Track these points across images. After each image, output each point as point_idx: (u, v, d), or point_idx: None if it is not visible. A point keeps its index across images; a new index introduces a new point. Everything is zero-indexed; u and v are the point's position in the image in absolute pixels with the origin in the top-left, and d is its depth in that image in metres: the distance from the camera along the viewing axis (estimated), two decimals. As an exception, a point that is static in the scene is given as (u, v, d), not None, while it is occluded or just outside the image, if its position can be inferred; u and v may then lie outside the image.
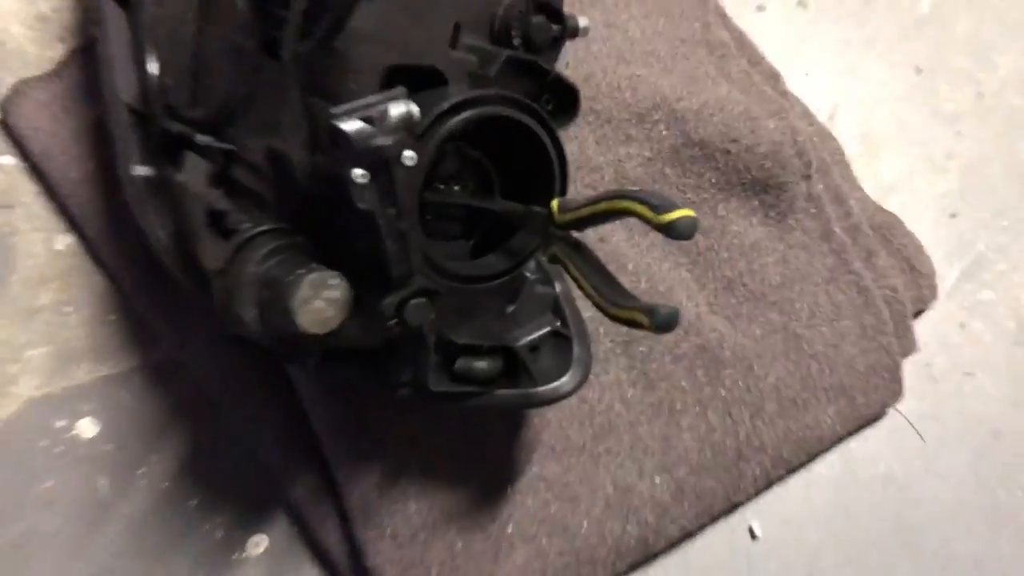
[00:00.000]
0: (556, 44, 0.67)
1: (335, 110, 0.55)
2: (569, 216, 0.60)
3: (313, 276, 0.59)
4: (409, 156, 0.58)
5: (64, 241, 0.82)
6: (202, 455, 0.83)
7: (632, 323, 0.55)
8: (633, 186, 0.90)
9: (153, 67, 0.69)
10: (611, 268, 0.76)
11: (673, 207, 0.53)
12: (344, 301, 0.61)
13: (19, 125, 0.80)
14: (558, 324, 0.72)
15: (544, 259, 0.64)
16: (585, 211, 0.58)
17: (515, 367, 0.69)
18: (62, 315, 0.81)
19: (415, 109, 0.58)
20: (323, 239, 0.63)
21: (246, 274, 0.61)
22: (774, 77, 0.98)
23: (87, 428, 0.81)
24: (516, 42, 0.65)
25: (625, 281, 0.85)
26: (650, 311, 0.54)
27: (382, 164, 0.57)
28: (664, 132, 0.90)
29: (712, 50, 0.96)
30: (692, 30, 0.96)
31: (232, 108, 0.64)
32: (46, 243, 0.82)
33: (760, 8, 1.05)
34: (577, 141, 0.89)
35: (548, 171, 0.65)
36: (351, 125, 0.56)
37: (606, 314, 0.57)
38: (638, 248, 0.89)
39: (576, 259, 0.60)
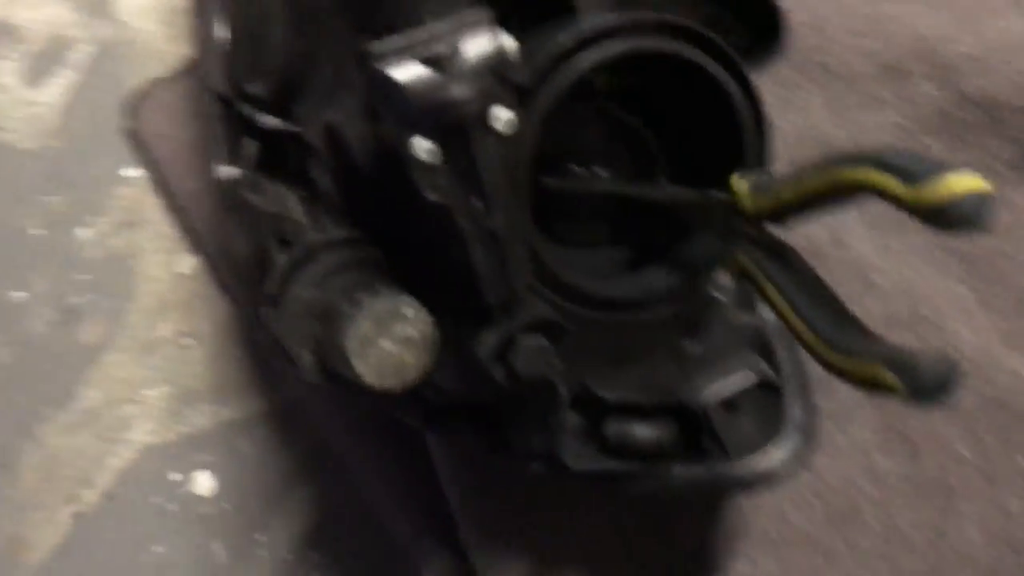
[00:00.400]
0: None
1: (379, 47, 0.35)
2: (765, 201, 0.37)
3: (378, 305, 0.40)
4: (502, 118, 0.37)
5: (188, 263, 0.76)
6: (328, 520, 0.75)
7: (871, 384, 0.31)
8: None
9: (221, 31, 0.53)
10: (847, 286, 0.52)
11: (942, 172, 0.29)
12: (425, 341, 0.41)
13: (145, 131, 0.73)
14: (766, 368, 0.49)
15: (727, 275, 0.41)
16: (791, 190, 0.35)
17: (698, 432, 0.47)
18: (182, 348, 0.75)
19: (509, 43, 0.37)
20: (402, 251, 0.44)
21: (298, 301, 0.43)
22: (1097, 7, 0.69)
23: (204, 483, 0.75)
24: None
25: (871, 302, 0.61)
26: (902, 363, 0.30)
27: (458, 131, 0.37)
28: (927, 89, 0.67)
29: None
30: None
31: (295, 74, 0.46)
32: (169, 266, 0.76)
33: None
34: (797, 105, 0.67)
35: (736, 136, 0.43)
36: (406, 71, 0.36)
37: (826, 365, 0.34)
38: (889, 253, 0.65)
39: (778, 273, 0.37)
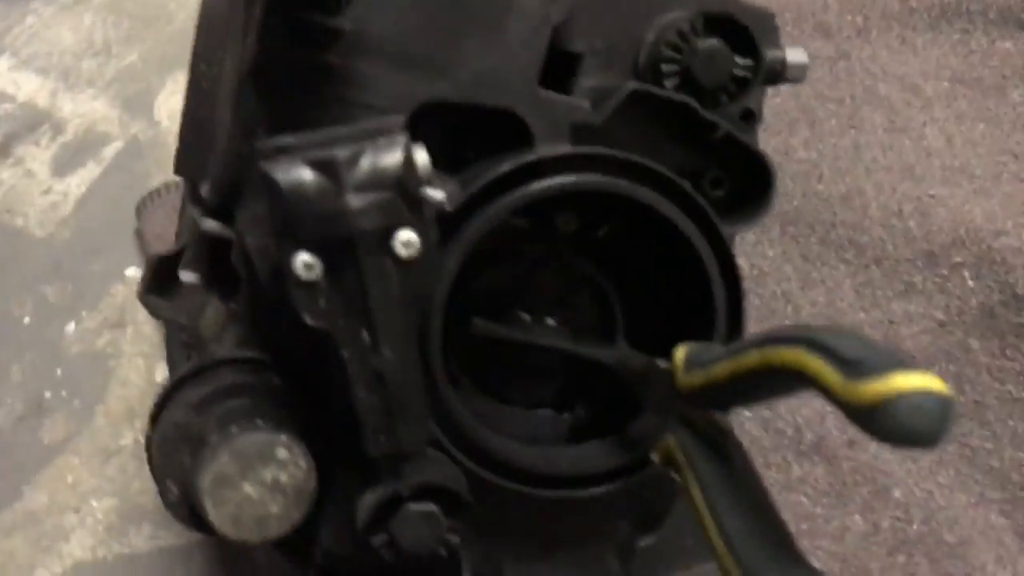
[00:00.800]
0: (742, 89, 0.38)
1: (269, 143, 0.31)
2: (697, 377, 0.30)
3: (246, 440, 0.34)
4: (404, 240, 0.32)
5: (164, 371, 0.71)
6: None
7: None
8: (913, 360, 0.56)
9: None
10: (857, 494, 0.44)
11: (887, 367, 0.22)
12: (297, 491, 0.35)
13: (146, 231, 0.70)
14: None
15: (659, 462, 0.34)
16: (724, 368, 0.28)
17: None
18: (140, 461, 0.70)
19: (423, 157, 0.32)
20: (301, 384, 0.38)
21: (171, 424, 0.38)
22: None
23: (129, 609, 0.69)
24: (670, 81, 0.38)
25: (883, 516, 0.52)
26: None
27: (346, 248, 0.31)
28: (971, 283, 0.58)
29: (1065, 170, 0.62)
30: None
31: (236, 178, 0.41)
32: (147, 371, 0.73)
33: None
34: (825, 288, 0.59)
35: (703, 300, 0.36)
36: (291, 172, 0.31)
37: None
38: (911, 464, 0.55)
39: (706, 467, 0.30)
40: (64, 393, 0.71)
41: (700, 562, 0.44)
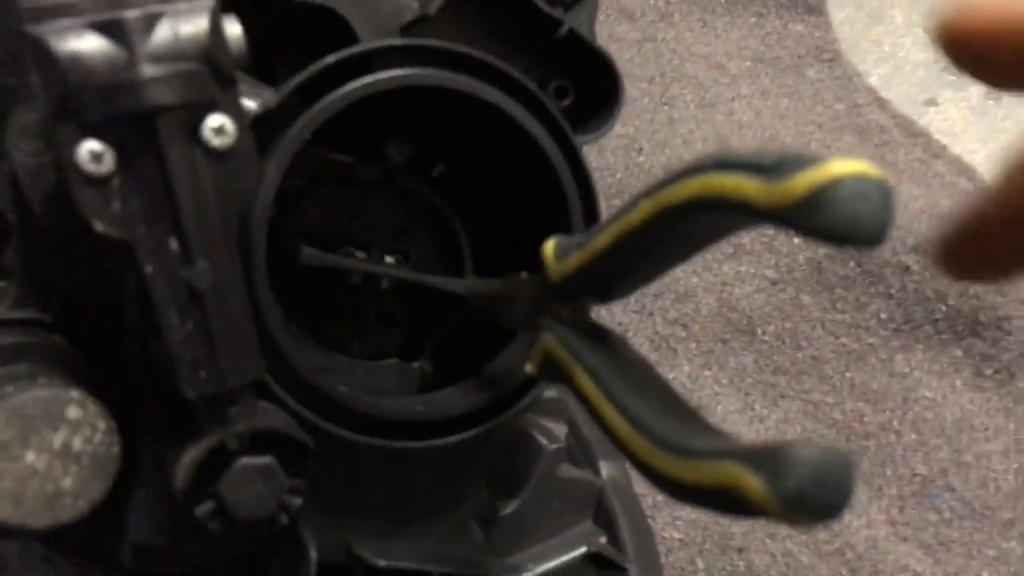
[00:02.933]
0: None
1: (36, 3, 0.25)
2: (574, 260, 0.27)
3: (26, 398, 0.27)
4: (216, 126, 0.26)
5: None
6: None
7: (725, 495, 0.19)
8: (747, 324, 0.55)
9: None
10: None
11: (812, 161, 0.19)
12: (95, 460, 0.28)
13: None
14: (601, 539, 0.37)
15: (534, 371, 0.29)
16: (604, 238, 0.25)
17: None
18: None
19: (233, 27, 0.27)
20: (95, 339, 0.31)
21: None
22: (967, 171, 0.64)
23: None
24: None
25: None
26: (769, 458, 0.19)
27: (144, 133, 0.25)
28: (796, 240, 0.57)
29: (865, 136, 0.64)
30: (833, 113, 0.65)
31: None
32: None
33: (930, 102, 0.73)
34: None
35: (556, 205, 0.33)
36: (71, 38, 0.25)
37: (658, 478, 0.22)
38: (758, 425, 0.53)
39: (592, 356, 0.26)
40: None
41: (565, 529, 0.40)
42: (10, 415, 0.27)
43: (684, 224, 0.23)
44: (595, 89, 0.35)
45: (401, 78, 0.31)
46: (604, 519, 0.41)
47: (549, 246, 0.28)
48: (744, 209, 0.20)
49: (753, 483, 0.19)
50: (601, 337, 0.27)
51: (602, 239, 0.25)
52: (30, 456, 0.27)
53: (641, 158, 0.61)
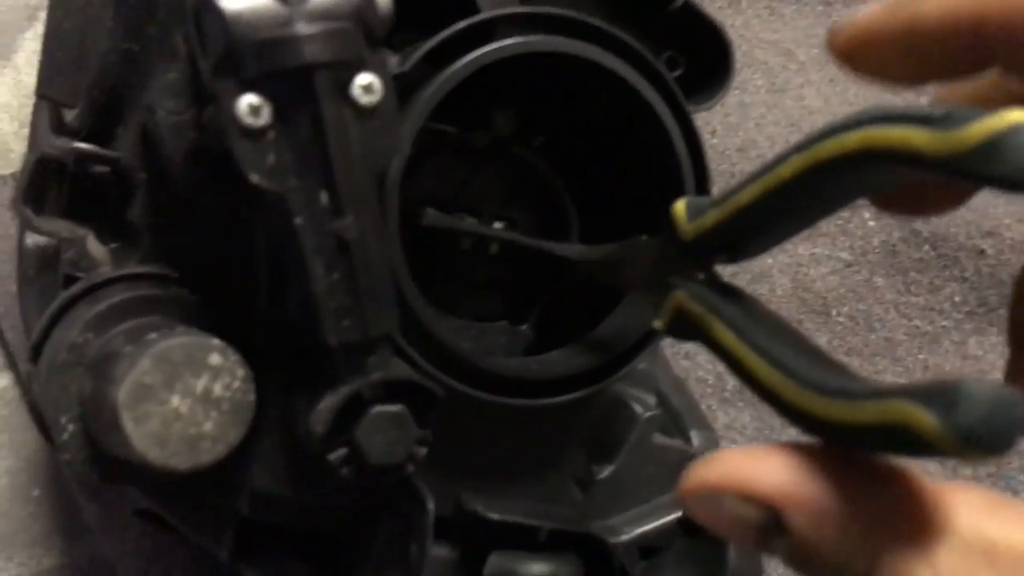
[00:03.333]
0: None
1: (200, -34, 0.26)
2: (712, 217, 0.27)
3: (171, 344, 0.28)
4: (366, 85, 0.27)
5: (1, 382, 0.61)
6: None
7: (891, 434, 0.20)
8: (822, 305, 0.56)
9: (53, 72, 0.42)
10: (792, 431, 0.42)
11: (983, 113, 0.20)
12: (234, 406, 0.29)
13: None
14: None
15: (663, 327, 0.30)
16: (747, 194, 0.26)
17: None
18: None
19: (382, -8, 0.28)
20: (225, 297, 0.32)
21: (64, 346, 0.31)
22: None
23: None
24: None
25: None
26: (941, 394, 0.19)
27: (300, 88, 0.26)
28: (871, 223, 0.58)
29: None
30: (902, 100, 0.65)
31: (119, 82, 0.35)
32: None
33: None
34: None
35: (670, 172, 0.33)
36: (235, 1, 0.26)
37: (813, 423, 0.23)
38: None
39: (729, 310, 0.27)
40: None
41: (659, 494, 0.41)
42: (156, 360, 0.28)
43: (838, 179, 0.24)
44: (707, 60, 0.36)
45: (526, 44, 0.32)
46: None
47: (680, 205, 0.29)
48: (912, 160, 0.21)
49: (926, 419, 0.19)
50: (735, 294, 0.28)
51: (746, 195, 0.26)
52: (174, 400, 0.29)
53: (715, 140, 0.61)
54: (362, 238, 0.28)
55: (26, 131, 0.68)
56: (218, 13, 0.26)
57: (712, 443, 0.44)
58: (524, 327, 0.38)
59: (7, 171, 0.65)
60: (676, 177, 0.34)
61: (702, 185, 0.34)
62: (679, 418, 0.44)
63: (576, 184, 0.37)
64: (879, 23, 0.24)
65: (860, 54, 0.25)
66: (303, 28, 0.26)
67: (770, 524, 0.21)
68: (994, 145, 0.19)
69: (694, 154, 0.34)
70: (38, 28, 0.72)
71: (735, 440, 0.53)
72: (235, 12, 0.26)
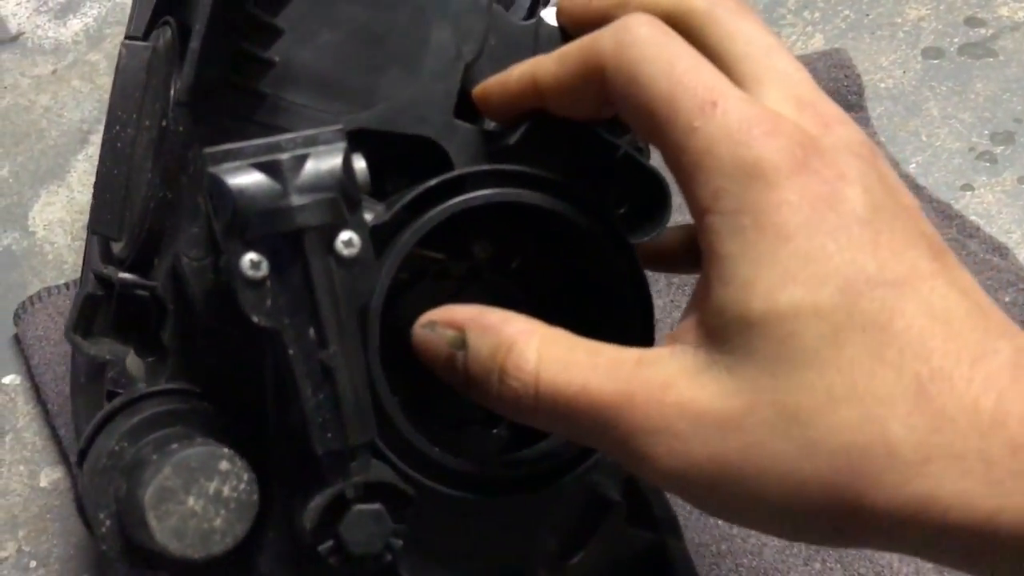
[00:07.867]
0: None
1: (217, 149, 0.33)
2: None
3: (189, 453, 0.34)
4: (346, 239, 0.33)
5: (50, 476, 0.69)
6: None
7: None
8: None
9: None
10: None
11: None
12: (240, 504, 0.35)
13: (26, 335, 0.69)
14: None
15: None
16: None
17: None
18: (24, 572, 0.66)
19: (359, 162, 0.35)
20: (238, 410, 0.39)
21: (104, 452, 0.37)
22: (1000, 250, 0.69)
23: None
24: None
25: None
26: None
27: (291, 246, 0.33)
28: None
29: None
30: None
31: (157, 225, 0.42)
32: (30, 478, 0.70)
33: (966, 187, 0.78)
34: None
35: (621, 307, 0.39)
36: (240, 175, 0.32)
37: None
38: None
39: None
40: (-60, 505, 0.67)
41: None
42: (176, 467, 0.34)
43: None
44: (647, 200, 0.42)
45: (489, 196, 0.38)
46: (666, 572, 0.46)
47: None
48: None
49: None
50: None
51: None
52: (191, 500, 0.35)
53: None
54: (343, 364, 0.34)
55: (79, 244, 0.75)
56: (226, 188, 0.32)
57: (677, 527, 0.48)
58: (497, 430, 0.43)
59: (61, 280, 0.72)
60: (620, 300, 0.40)
61: (642, 296, 0.40)
62: (646, 504, 0.48)
63: (546, 305, 0.43)
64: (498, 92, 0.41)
65: (493, 111, 0.41)
66: (296, 199, 0.33)
67: (457, 341, 0.35)
68: None
69: (635, 278, 0.40)
70: (88, 150, 0.80)
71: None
72: (239, 187, 0.32)
